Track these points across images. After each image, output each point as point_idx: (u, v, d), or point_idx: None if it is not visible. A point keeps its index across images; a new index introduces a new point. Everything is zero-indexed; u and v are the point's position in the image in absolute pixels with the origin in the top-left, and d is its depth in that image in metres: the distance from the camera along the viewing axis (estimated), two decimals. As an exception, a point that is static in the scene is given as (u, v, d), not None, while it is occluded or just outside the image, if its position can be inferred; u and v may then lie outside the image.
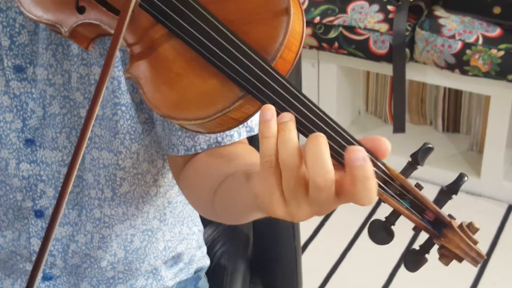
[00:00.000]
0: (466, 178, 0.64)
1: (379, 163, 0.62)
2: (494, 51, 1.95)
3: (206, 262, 1.11)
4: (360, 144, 0.62)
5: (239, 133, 0.85)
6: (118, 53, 0.81)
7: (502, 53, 1.94)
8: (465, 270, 1.94)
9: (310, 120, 0.63)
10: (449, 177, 2.25)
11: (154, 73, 0.70)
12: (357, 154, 0.58)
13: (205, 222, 1.13)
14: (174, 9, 0.68)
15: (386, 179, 0.63)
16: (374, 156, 0.62)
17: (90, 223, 0.94)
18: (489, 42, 1.96)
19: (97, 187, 0.91)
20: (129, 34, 0.71)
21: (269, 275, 1.18)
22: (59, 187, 0.91)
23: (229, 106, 0.65)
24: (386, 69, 2.14)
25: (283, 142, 0.59)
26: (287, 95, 0.63)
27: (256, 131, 0.87)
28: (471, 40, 1.97)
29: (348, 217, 2.15)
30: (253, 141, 0.88)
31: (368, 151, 0.61)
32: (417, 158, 0.63)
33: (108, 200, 0.92)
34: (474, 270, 1.96)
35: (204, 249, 1.11)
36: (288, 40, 0.65)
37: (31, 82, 0.85)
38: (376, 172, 0.62)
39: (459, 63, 2.00)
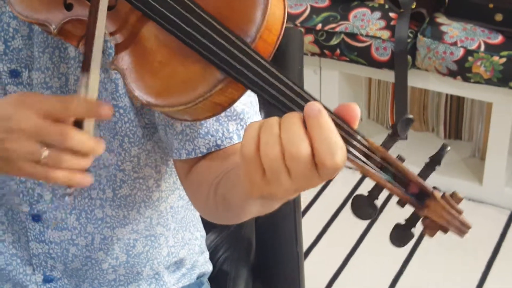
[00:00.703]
0: (448, 148, 0.64)
1: (358, 136, 0.62)
2: (496, 58, 1.95)
3: (208, 267, 1.11)
4: (336, 115, 0.62)
5: (239, 135, 0.86)
6: (112, 51, 0.82)
7: (504, 60, 1.94)
8: (468, 276, 1.93)
9: (293, 101, 0.63)
10: (452, 184, 2.27)
11: (138, 63, 0.71)
12: (312, 105, 0.59)
13: (208, 227, 1.13)
14: None
15: (367, 152, 0.62)
16: (352, 129, 0.62)
17: (91, 224, 0.94)
18: (491, 49, 1.96)
19: (98, 187, 0.91)
20: (112, 26, 0.73)
21: (272, 281, 1.18)
22: (56, 191, 0.91)
23: (210, 90, 0.66)
24: (388, 76, 2.14)
25: (265, 129, 0.60)
26: (269, 77, 0.64)
27: None
28: (473, 47, 1.97)
29: (351, 223, 2.15)
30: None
31: (343, 122, 0.61)
32: (397, 129, 0.62)
33: (109, 200, 0.92)
34: (477, 276, 1.95)
35: (207, 254, 1.11)
36: (267, 21, 0.66)
37: (27, 87, 0.86)
38: (355, 146, 0.62)
39: (461, 70, 2.00)
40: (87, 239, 0.95)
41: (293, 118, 0.60)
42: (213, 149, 0.85)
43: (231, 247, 1.18)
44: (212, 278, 1.12)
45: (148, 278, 1.01)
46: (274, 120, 0.60)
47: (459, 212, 0.63)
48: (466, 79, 2.02)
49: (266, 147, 0.59)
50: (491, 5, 1.99)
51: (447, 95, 2.35)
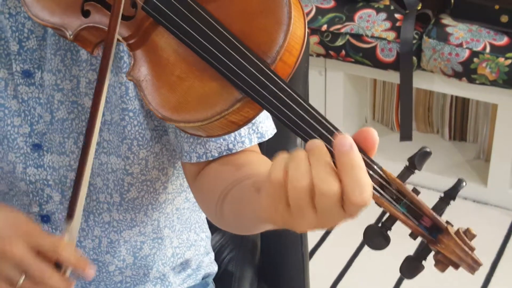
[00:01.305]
0: (464, 184, 0.64)
1: (375, 166, 0.62)
2: (501, 59, 1.95)
3: (214, 268, 1.11)
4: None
5: (250, 139, 0.85)
6: (125, 58, 0.82)
7: (509, 61, 1.94)
8: (473, 278, 1.93)
9: (309, 124, 0.63)
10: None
11: (155, 76, 0.70)
12: (344, 141, 0.58)
13: (213, 228, 1.13)
14: (175, 11, 0.69)
15: (383, 183, 0.62)
16: (370, 159, 0.62)
17: (98, 227, 0.94)
18: (497, 50, 1.96)
19: (106, 191, 0.91)
20: (131, 37, 0.72)
21: (277, 282, 1.18)
22: (65, 192, 0.91)
23: (227, 109, 0.66)
24: (393, 77, 2.14)
25: (293, 160, 0.58)
26: (286, 99, 0.63)
27: (266, 137, 0.87)
28: (479, 48, 1.97)
29: (355, 224, 2.14)
30: (262, 147, 0.88)
31: (362, 152, 0.61)
32: (414, 162, 0.62)
33: (116, 204, 0.92)
34: (481, 278, 1.95)
35: (212, 255, 1.11)
36: (288, 43, 0.65)
37: (39, 87, 0.86)
38: (372, 176, 0.61)
39: (466, 72, 2.00)
40: (94, 242, 0.95)
41: (323, 153, 0.59)
42: (224, 153, 0.85)
43: (236, 248, 1.18)
44: (217, 278, 1.12)
45: (154, 279, 1.01)
46: (303, 152, 0.59)
47: (472, 249, 0.63)
48: (471, 81, 2.02)
49: (293, 179, 0.58)
50: (496, 6, 1.98)
51: (452, 96, 2.34)
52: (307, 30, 0.68)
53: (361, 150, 0.61)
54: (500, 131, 2.13)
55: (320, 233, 2.14)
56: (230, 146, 0.84)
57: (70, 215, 0.73)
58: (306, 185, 0.58)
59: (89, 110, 0.86)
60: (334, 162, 0.59)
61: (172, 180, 0.95)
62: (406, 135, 2.14)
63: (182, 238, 1.02)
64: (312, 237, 2.10)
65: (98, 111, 0.70)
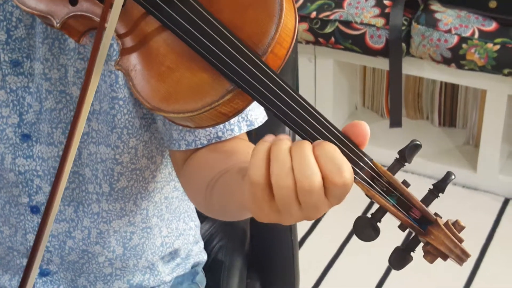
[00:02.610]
0: (453, 177, 0.64)
1: (366, 159, 0.63)
2: (490, 45, 1.95)
3: (203, 257, 1.11)
4: (344, 136, 0.63)
5: (240, 127, 0.85)
6: (115, 46, 0.82)
7: (498, 47, 1.94)
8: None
9: (299, 115, 0.63)
10: (446, 171, 2.25)
11: (145, 66, 0.70)
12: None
13: (202, 217, 1.13)
14: (166, 1, 0.68)
15: (373, 175, 0.63)
16: (361, 151, 0.62)
17: (87, 218, 0.94)
18: (485, 36, 1.96)
19: (95, 181, 0.91)
20: (121, 26, 0.72)
21: (266, 270, 1.19)
22: (52, 183, 0.90)
23: (217, 100, 0.66)
24: (383, 63, 2.14)
25: (277, 160, 0.59)
26: (277, 90, 0.64)
27: (256, 125, 0.87)
28: (467, 34, 1.97)
29: (345, 212, 2.15)
30: (251, 134, 0.88)
31: (353, 144, 0.62)
32: (405, 155, 0.63)
33: (106, 194, 0.92)
34: (471, 264, 1.96)
35: (201, 244, 1.11)
36: (279, 35, 0.65)
37: (28, 77, 0.85)
38: (363, 168, 0.62)
39: (455, 58, 2.00)
40: (83, 233, 0.95)
41: (305, 149, 0.59)
42: (214, 141, 0.84)
43: (226, 237, 1.18)
44: (207, 267, 1.12)
45: (143, 269, 1.01)
46: (285, 148, 0.60)
47: (461, 240, 0.64)
48: (460, 67, 2.02)
49: (278, 178, 0.59)
50: (485, -8, 1.99)
51: (441, 82, 2.35)
52: (297, 22, 0.68)
53: (353, 143, 0.62)
54: (489, 116, 2.14)
55: (309, 221, 2.15)
56: (220, 133, 0.84)
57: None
58: (291, 184, 0.59)
59: (77, 99, 0.85)
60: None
61: (160, 169, 0.95)
62: (396, 122, 2.14)
63: (171, 227, 1.02)
64: (302, 226, 2.11)
65: (85, 99, 0.69)
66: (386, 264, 2.29)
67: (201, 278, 1.09)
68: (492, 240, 2.05)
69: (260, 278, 1.18)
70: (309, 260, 1.96)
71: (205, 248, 1.13)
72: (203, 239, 1.13)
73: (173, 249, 1.03)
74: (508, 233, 2.07)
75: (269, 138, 0.61)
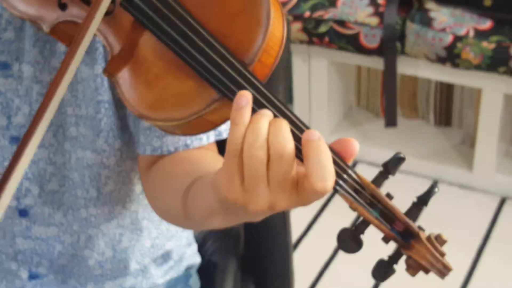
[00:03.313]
0: (436, 189, 0.64)
1: (349, 171, 0.63)
2: (485, 43, 1.94)
3: (197, 259, 1.10)
4: (331, 149, 0.62)
5: (208, 136, 0.85)
6: (101, 49, 0.81)
7: (493, 45, 1.94)
8: (459, 263, 1.93)
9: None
10: (442, 171, 2.26)
11: (133, 73, 0.70)
12: (313, 132, 0.59)
13: (196, 219, 1.12)
14: (154, 9, 0.68)
15: (357, 188, 0.63)
16: (345, 164, 0.62)
17: (76, 223, 0.93)
18: (480, 34, 1.96)
19: (83, 186, 0.90)
20: (109, 33, 0.71)
21: (261, 272, 1.18)
22: (44, 186, 0.90)
23: (204, 108, 0.65)
24: (377, 63, 2.13)
25: (253, 131, 0.59)
26: (263, 100, 0.63)
27: (224, 136, 0.87)
28: (462, 33, 1.97)
29: (340, 214, 2.14)
30: (222, 148, 0.88)
31: (338, 157, 0.62)
32: (388, 167, 0.63)
33: (93, 200, 0.91)
34: (468, 263, 1.96)
35: (195, 246, 1.10)
36: (267, 44, 0.65)
37: (17, 79, 0.84)
38: (346, 181, 0.62)
39: (450, 56, 2.00)
40: (73, 237, 0.94)
41: (284, 125, 0.59)
42: (181, 149, 0.84)
43: (220, 239, 1.17)
44: (201, 270, 1.11)
45: (135, 272, 1.00)
46: (264, 123, 0.59)
47: (442, 254, 0.64)
48: (455, 65, 2.01)
49: (250, 147, 0.59)
50: (480, -10, 1.98)
51: (436, 81, 2.34)
52: (285, 30, 0.68)
53: (339, 156, 0.62)
54: (484, 115, 2.13)
55: (304, 223, 2.14)
56: (188, 142, 0.84)
57: None
58: (263, 154, 0.58)
59: (67, 103, 0.85)
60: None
61: None
62: (391, 121, 2.14)
63: (161, 228, 1.01)
64: (297, 228, 2.10)
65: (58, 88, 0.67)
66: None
67: (195, 281, 1.09)
68: (488, 239, 2.04)
69: (255, 281, 1.18)
70: (304, 263, 1.95)
71: (199, 250, 1.12)
72: (196, 242, 1.12)
73: (165, 251, 1.02)
74: (504, 233, 2.07)
75: (245, 102, 0.60)
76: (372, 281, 1.94)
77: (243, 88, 0.64)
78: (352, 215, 2.18)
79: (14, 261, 0.96)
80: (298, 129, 0.63)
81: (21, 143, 0.65)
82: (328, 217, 2.17)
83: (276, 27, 0.66)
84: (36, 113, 0.65)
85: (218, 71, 0.65)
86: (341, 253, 2.03)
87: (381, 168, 0.64)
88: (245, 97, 0.60)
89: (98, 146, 0.86)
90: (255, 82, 0.64)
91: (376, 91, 2.47)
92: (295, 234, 2.08)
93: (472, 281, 1.92)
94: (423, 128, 2.43)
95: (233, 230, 1.18)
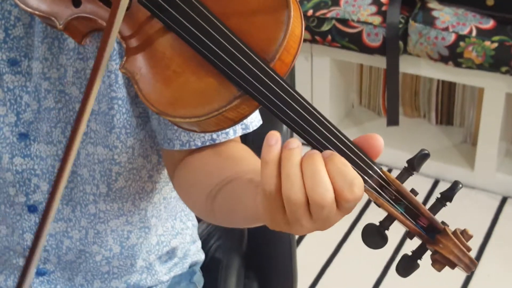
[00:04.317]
0: (460, 186, 0.65)
1: (375, 167, 0.63)
2: (487, 43, 1.94)
3: (200, 256, 1.11)
4: (353, 144, 0.63)
5: (235, 131, 0.85)
6: (115, 46, 0.81)
7: (495, 45, 1.94)
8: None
9: (308, 123, 0.63)
10: (443, 170, 2.27)
11: (151, 70, 0.69)
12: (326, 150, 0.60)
13: (199, 216, 1.13)
14: (171, 4, 0.67)
15: (382, 184, 0.63)
16: (371, 160, 0.63)
17: (84, 218, 0.93)
18: (483, 34, 1.96)
19: (92, 182, 0.90)
20: (126, 29, 0.71)
21: (264, 269, 1.18)
22: (53, 182, 0.90)
23: (225, 105, 0.65)
24: (380, 62, 2.13)
25: (287, 176, 0.59)
26: (285, 96, 0.63)
27: (251, 129, 0.87)
28: (465, 32, 1.97)
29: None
30: (247, 140, 0.88)
31: (363, 153, 0.62)
32: (414, 164, 0.64)
33: (103, 195, 0.91)
34: (469, 262, 1.96)
35: (199, 243, 1.11)
36: (287, 42, 0.65)
37: (26, 76, 0.85)
38: (372, 176, 0.63)
39: (453, 56, 2.00)
40: (81, 233, 0.94)
41: (317, 164, 0.60)
42: (208, 143, 0.84)
43: (223, 236, 1.18)
44: (204, 267, 1.12)
45: (140, 269, 1.00)
46: (296, 163, 0.60)
47: (469, 249, 0.64)
48: (457, 65, 2.02)
49: (289, 192, 0.59)
50: (482, -10, 1.98)
51: (438, 80, 2.34)
52: (303, 29, 0.68)
53: (363, 152, 0.63)
54: (486, 114, 2.13)
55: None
56: (214, 136, 0.84)
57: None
58: (302, 199, 0.59)
59: (76, 99, 0.85)
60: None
61: (158, 169, 0.94)
62: (393, 120, 2.14)
63: (167, 226, 1.01)
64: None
65: (89, 100, 0.69)
66: (384, 263, 2.31)
67: (199, 278, 1.09)
68: (490, 238, 2.05)
69: (258, 278, 1.18)
70: (307, 259, 1.95)
71: (203, 247, 1.12)
72: (200, 239, 1.12)
73: (170, 248, 1.02)
74: (506, 232, 2.07)
75: (274, 140, 0.60)
76: (374, 277, 1.94)
77: (266, 84, 0.64)
78: (356, 211, 2.18)
79: (22, 257, 0.96)
80: (326, 129, 0.63)
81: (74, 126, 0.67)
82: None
83: (296, 26, 0.66)
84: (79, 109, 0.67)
85: (240, 67, 0.64)
86: (343, 250, 2.04)
87: (405, 165, 0.64)
88: (275, 136, 0.60)
89: (110, 142, 0.87)
90: (277, 79, 0.64)
91: (378, 90, 2.47)
92: (297, 232, 2.08)
93: (473, 280, 1.92)
94: (425, 127, 2.43)
95: (236, 228, 1.19)
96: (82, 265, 0.97)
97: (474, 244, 1.99)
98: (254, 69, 0.64)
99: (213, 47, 0.65)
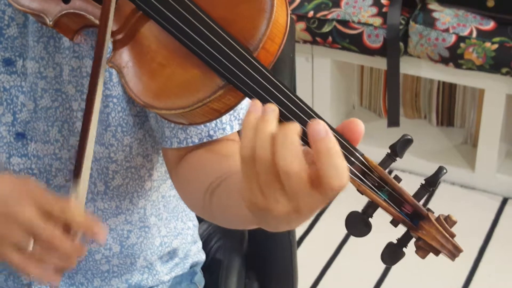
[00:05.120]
0: (445, 171, 0.64)
1: (357, 154, 0.62)
2: (488, 44, 1.95)
3: (201, 257, 1.11)
4: (337, 132, 0.61)
5: (232, 126, 0.85)
6: (110, 45, 0.81)
7: (496, 46, 1.94)
8: (460, 263, 1.94)
9: (291, 112, 0.63)
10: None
11: (137, 62, 0.70)
12: (318, 127, 0.56)
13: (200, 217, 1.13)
14: None
15: (365, 170, 0.62)
16: (352, 147, 0.62)
17: None
18: (483, 35, 1.96)
19: (90, 180, 0.90)
20: (113, 23, 0.71)
21: (265, 270, 1.18)
22: (51, 181, 0.90)
23: (209, 96, 0.65)
24: (380, 63, 2.13)
25: (258, 131, 0.57)
26: (269, 86, 0.63)
27: None
28: (465, 33, 1.97)
29: (343, 211, 2.15)
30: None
31: (345, 140, 0.61)
32: (396, 150, 0.63)
33: (101, 193, 0.92)
34: (469, 263, 1.96)
35: (200, 244, 1.11)
36: (271, 31, 0.65)
37: (21, 76, 0.85)
38: (354, 163, 0.62)
39: (453, 57, 2.00)
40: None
41: (290, 129, 0.57)
42: (205, 139, 0.84)
43: (224, 236, 1.18)
44: (205, 267, 1.12)
45: (141, 269, 1.01)
46: (270, 122, 0.58)
47: (452, 235, 0.63)
48: (458, 66, 2.02)
49: (258, 150, 0.57)
50: (483, -9, 1.99)
51: (439, 82, 2.35)
52: (289, 18, 0.68)
53: (345, 139, 0.61)
54: (487, 116, 2.14)
55: (307, 221, 2.14)
56: (211, 132, 0.84)
57: (76, 174, 0.70)
58: (268, 155, 0.57)
59: (72, 98, 0.85)
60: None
61: (157, 167, 0.94)
62: (393, 121, 2.14)
63: (170, 227, 1.01)
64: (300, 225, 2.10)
65: (96, 95, 0.70)
66: (384, 265, 2.29)
67: (200, 278, 1.09)
68: (490, 239, 2.05)
69: (259, 278, 1.18)
70: (307, 259, 1.95)
71: (203, 248, 1.13)
72: (201, 239, 1.12)
73: (172, 248, 1.03)
74: (506, 233, 2.07)
75: (255, 107, 0.59)
76: (375, 278, 1.94)
77: (249, 74, 0.63)
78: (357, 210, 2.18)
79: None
80: (306, 115, 0.62)
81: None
82: (331, 214, 2.18)
83: (280, 14, 0.66)
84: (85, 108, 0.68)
85: (223, 57, 0.64)
86: (344, 251, 2.04)
87: (388, 151, 0.63)
88: (257, 105, 0.59)
89: (106, 140, 0.87)
90: (261, 68, 0.64)
91: (379, 91, 2.47)
92: (298, 231, 2.08)
93: (474, 281, 1.92)
94: (425, 128, 2.44)
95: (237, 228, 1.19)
96: (82, 263, 0.97)
97: (474, 245, 2.00)
98: (237, 59, 0.64)
99: (195, 36, 0.66)
